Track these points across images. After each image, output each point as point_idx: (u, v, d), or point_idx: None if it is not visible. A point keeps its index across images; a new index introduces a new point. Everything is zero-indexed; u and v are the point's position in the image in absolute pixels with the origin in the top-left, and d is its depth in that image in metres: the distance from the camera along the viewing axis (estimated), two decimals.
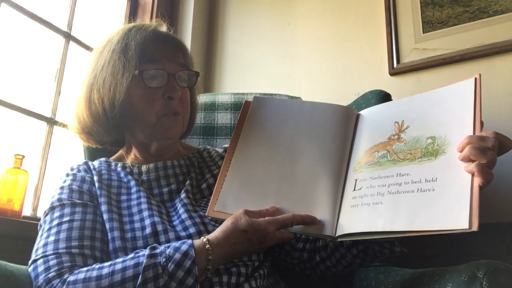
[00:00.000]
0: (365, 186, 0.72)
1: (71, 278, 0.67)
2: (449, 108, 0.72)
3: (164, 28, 0.92)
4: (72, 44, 1.59)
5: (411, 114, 0.76)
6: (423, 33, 1.48)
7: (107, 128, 0.87)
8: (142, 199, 0.83)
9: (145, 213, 0.80)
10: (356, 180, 0.75)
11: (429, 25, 1.48)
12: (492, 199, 1.26)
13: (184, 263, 0.65)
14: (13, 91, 1.39)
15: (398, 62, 1.50)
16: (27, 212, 1.33)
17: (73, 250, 0.72)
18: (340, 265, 0.84)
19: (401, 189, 0.67)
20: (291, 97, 1.39)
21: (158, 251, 0.67)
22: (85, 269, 0.68)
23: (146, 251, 0.67)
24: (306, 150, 0.82)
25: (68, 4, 1.60)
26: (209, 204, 0.80)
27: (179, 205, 0.84)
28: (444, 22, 1.45)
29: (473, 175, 0.62)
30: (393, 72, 1.51)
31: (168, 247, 0.68)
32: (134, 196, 0.84)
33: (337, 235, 0.72)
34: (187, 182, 0.88)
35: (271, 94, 1.39)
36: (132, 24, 0.90)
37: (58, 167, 1.47)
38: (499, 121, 1.30)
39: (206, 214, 0.80)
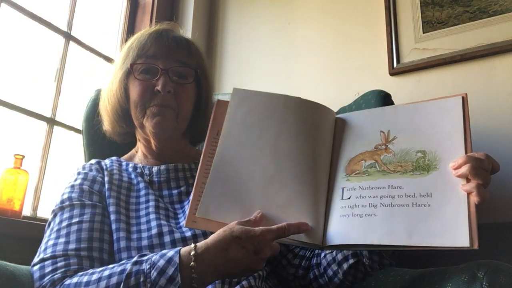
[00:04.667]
0: (355, 195, 0.71)
1: (67, 281, 0.68)
2: (436, 123, 0.72)
3: (177, 29, 0.97)
4: (72, 44, 1.59)
5: (397, 124, 0.75)
6: (423, 33, 1.48)
7: (119, 121, 0.94)
8: (151, 202, 0.84)
9: (152, 216, 0.81)
10: (343, 188, 0.73)
11: (429, 25, 1.48)
12: (492, 199, 1.26)
13: (167, 270, 0.62)
14: (13, 91, 1.39)
15: (398, 62, 1.50)
16: (27, 212, 1.33)
17: (82, 253, 0.73)
18: (332, 283, 0.84)
19: (395, 202, 0.67)
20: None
21: (145, 258, 0.66)
22: (80, 273, 0.69)
23: (134, 258, 0.67)
24: (293, 152, 0.75)
25: (68, 4, 1.60)
26: (188, 213, 0.71)
27: (187, 206, 0.84)
28: (444, 22, 1.45)
29: (469, 193, 0.63)
30: (393, 72, 1.51)
31: (158, 254, 0.66)
32: (142, 199, 0.85)
33: (328, 244, 0.70)
34: None
35: None
36: (148, 29, 0.96)
37: (58, 167, 1.47)
38: (499, 121, 1.30)
39: (184, 225, 0.76)
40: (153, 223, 0.79)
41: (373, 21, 1.60)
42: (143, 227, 0.80)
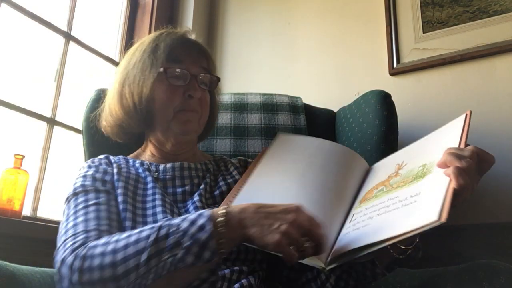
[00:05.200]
0: (359, 216, 0.74)
1: (91, 243, 0.67)
2: (441, 140, 0.76)
3: (192, 35, 0.99)
4: (72, 44, 1.59)
5: (410, 154, 0.81)
6: (423, 33, 1.48)
7: (136, 121, 0.92)
8: (157, 196, 0.84)
9: (158, 209, 0.82)
10: (353, 214, 0.78)
11: (429, 25, 1.48)
12: (492, 199, 1.26)
13: (198, 221, 0.65)
14: (13, 91, 1.39)
15: (398, 62, 1.50)
16: (27, 212, 1.33)
17: (102, 227, 0.73)
18: (324, 287, 0.84)
19: (388, 209, 0.69)
20: (291, 97, 1.39)
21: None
22: (107, 236, 0.69)
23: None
24: (316, 180, 0.85)
25: (68, 4, 1.60)
26: (221, 204, 0.82)
27: (191, 207, 0.85)
28: (444, 22, 1.45)
29: (450, 179, 0.63)
30: (393, 72, 1.51)
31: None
32: (149, 191, 0.86)
33: (328, 261, 0.70)
34: (202, 186, 0.90)
35: (271, 94, 1.39)
36: (164, 30, 0.97)
37: (58, 167, 1.47)
38: (499, 121, 1.30)
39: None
40: (159, 216, 0.80)
41: (373, 21, 1.60)
42: (149, 219, 0.80)
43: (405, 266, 0.78)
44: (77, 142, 1.47)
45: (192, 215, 0.66)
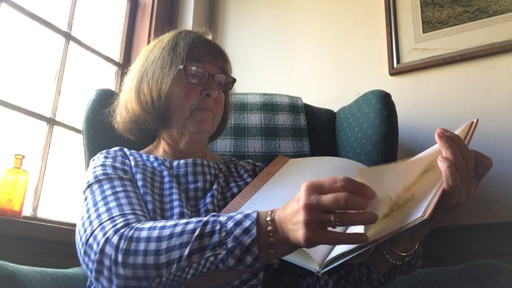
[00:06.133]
0: None
1: (137, 225, 0.66)
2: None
3: (210, 36, 1.00)
4: (72, 44, 1.59)
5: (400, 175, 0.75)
6: (423, 33, 1.48)
7: (154, 117, 0.92)
8: (174, 190, 0.85)
9: (175, 203, 0.82)
10: None
11: (429, 25, 1.48)
12: (492, 199, 1.26)
13: (244, 223, 0.61)
14: (13, 91, 1.39)
15: (398, 62, 1.50)
16: (27, 212, 1.33)
17: (138, 212, 0.73)
18: None
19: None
20: (291, 97, 1.39)
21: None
22: (152, 221, 0.68)
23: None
24: None
25: (68, 4, 1.61)
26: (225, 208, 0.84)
27: (202, 209, 0.85)
28: (444, 22, 1.45)
29: (442, 181, 0.61)
30: (393, 72, 1.51)
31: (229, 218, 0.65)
32: (166, 185, 0.86)
33: (324, 264, 0.68)
34: (214, 186, 0.90)
35: (271, 94, 1.39)
36: (182, 29, 0.98)
37: (58, 167, 1.47)
38: (499, 121, 1.30)
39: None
40: (176, 210, 0.80)
41: (373, 21, 1.60)
42: (167, 213, 0.80)
43: (405, 273, 0.77)
44: (77, 142, 1.47)
45: (238, 215, 0.63)
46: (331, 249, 0.70)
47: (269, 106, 1.35)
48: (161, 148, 0.97)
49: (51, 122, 1.46)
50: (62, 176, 1.49)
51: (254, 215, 0.62)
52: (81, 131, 1.15)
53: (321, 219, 0.56)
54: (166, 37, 0.96)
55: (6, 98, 1.34)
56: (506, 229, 1.20)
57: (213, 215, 0.65)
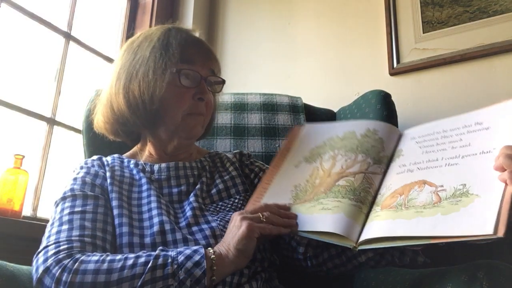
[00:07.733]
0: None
1: (82, 257, 0.68)
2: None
3: (197, 32, 0.96)
4: (72, 44, 1.59)
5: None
6: (423, 33, 1.48)
7: (143, 120, 0.88)
8: (152, 198, 0.84)
9: (154, 212, 0.81)
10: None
11: (429, 25, 1.48)
12: None
13: (194, 257, 0.69)
14: (13, 91, 1.39)
15: (398, 62, 1.50)
16: (27, 212, 1.33)
17: (86, 239, 0.73)
18: (350, 264, 0.83)
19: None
20: (291, 97, 1.39)
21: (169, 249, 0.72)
22: (98, 253, 0.70)
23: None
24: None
25: (68, 4, 1.60)
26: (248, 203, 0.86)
27: (187, 208, 0.84)
28: (444, 22, 1.45)
29: (506, 184, 0.59)
30: (393, 72, 1.51)
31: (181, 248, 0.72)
32: (144, 194, 0.85)
33: (358, 241, 0.69)
34: (198, 186, 0.89)
35: (271, 94, 1.39)
36: (170, 25, 0.94)
37: (58, 167, 1.47)
38: None
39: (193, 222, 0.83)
40: (155, 220, 0.79)
41: (373, 21, 1.60)
42: (146, 223, 0.80)
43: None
44: (77, 142, 1.47)
45: (187, 250, 0.70)
46: (358, 230, 0.71)
47: (269, 106, 1.35)
48: (147, 150, 0.94)
49: (51, 122, 1.46)
50: (62, 176, 1.49)
51: (202, 250, 0.70)
52: (81, 131, 1.15)
53: (253, 217, 0.73)
54: (155, 34, 0.90)
55: (6, 98, 1.34)
56: (507, 229, 1.20)
57: (162, 250, 0.70)
